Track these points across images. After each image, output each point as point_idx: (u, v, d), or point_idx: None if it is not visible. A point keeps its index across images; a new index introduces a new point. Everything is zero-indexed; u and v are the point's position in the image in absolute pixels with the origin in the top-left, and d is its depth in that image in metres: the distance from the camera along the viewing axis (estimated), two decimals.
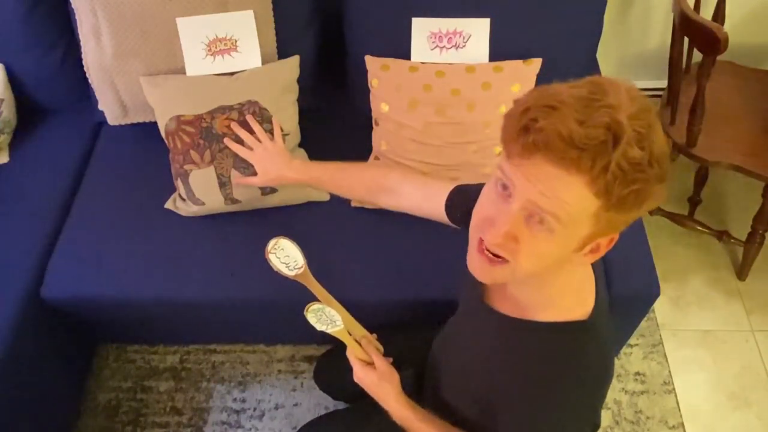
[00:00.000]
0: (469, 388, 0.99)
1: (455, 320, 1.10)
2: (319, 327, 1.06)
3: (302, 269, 1.07)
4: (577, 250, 0.76)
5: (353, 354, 1.09)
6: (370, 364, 1.09)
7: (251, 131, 1.38)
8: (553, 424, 0.87)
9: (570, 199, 0.69)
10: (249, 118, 1.39)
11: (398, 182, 1.14)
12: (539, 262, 0.76)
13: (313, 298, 1.09)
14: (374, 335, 1.15)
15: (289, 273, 1.06)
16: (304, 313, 1.04)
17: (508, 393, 0.90)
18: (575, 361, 0.85)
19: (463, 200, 1.02)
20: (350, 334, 1.10)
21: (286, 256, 1.06)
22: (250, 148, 1.36)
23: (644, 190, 0.69)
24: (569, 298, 0.86)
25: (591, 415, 0.89)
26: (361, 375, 1.08)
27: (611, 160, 0.66)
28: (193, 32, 1.45)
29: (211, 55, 1.47)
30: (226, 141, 1.39)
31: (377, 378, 1.07)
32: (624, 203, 0.70)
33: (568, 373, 0.85)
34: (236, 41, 1.45)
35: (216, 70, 1.48)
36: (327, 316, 1.05)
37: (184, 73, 1.52)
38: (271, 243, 1.06)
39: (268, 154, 1.33)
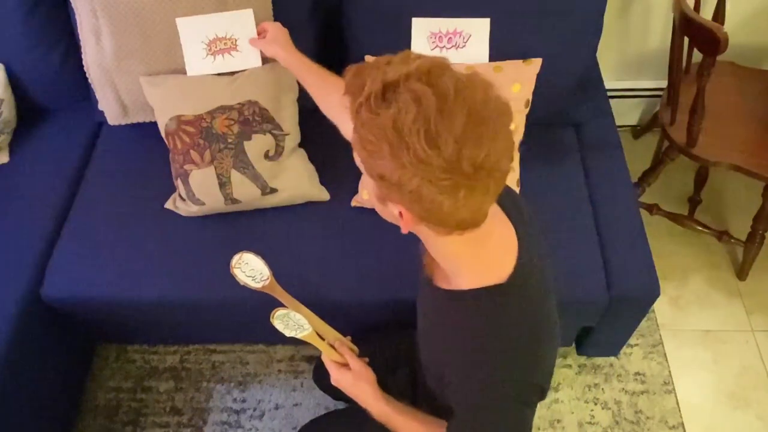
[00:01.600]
0: (430, 367, 1.02)
1: (417, 302, 1.12)
2: (287, 333, 1.06)
3: (268, 280, 1.08)
4: (380, 201, 0.81)
5: (327, 357, 1.10)
6: (345, 365, 1.10)
7: None
8: (489, 389, 0.88)
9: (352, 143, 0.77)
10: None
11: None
12: (371, 198, 0.84)
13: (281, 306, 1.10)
14: (348, 337, 1.16)
15: (255, 285, 1.08)
16: (270, 320, 1.05)
17: (447, 363, 0.93)
18: (495, 323, 0.87)
19: None
20: (323, 339, 1.11)
21: (251, 270, 1.08)
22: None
23: (374, 155, 0.72)
24: (477, 264, 0.88)
25: (530, 379, 0.89)
26: (337, 376, 1.10)
27: (355, 106, 0.73)
28: (193, 32, 1.45)
29: (212, 54, 1.47)
30: (251, 42, 1.43)
31: (353, 378, 1.08)
32: (365, 164, 0.76)
33: (490, 336, 0.87)
34: (236, 41, 1.45)
35: (216, 70, 1.48)
36: (294, 321, 1.06)
37: (184, 73, 1.52)
38: (235, 258, 1.06)
39: (281, 32, 1.35)
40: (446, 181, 0.71)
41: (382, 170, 0.73)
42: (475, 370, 0.89)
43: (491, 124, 0.71)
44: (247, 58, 1.47)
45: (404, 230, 0.81)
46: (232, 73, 1.49)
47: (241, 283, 1.07)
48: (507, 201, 0.94)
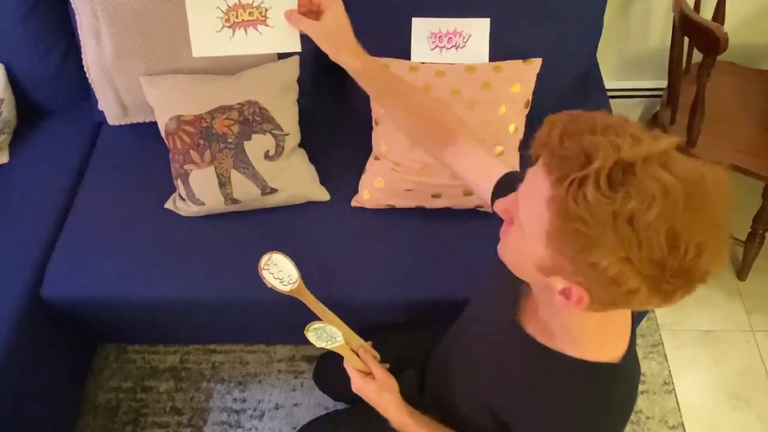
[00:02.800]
0: (483, 398, 0.98)
1: (470, 328, 1.08)
2: (319, 344, 1.04)
3: (297, 284, 1.02)
4: (539, 271, 0.72)
5: (351, 365, 1.08)
6: (369, 373, 1.08)
7: None
8: None
9: (534, 200, 0.68)
10: None
11: (464, 136, 1.02)
12: (512, 254, 0.79)
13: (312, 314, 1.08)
14: (369, 342, 1.14)
15: (283, 289, 1.02)
16: (305, 332, 1.02)
17: (529, 418, 0.89)
18: (602, 403, 0.84)
19: (509, 185, 0.94)
20: (348, 346, 1.09)
21: (279, 271, 1.02)
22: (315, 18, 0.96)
23: (588, 239, 0.62)
24: (597, 341, 0.83)
25: None
26: (360, 385, 1.07)
27: (571, 178, 0.62)
28: None
29: (230, 27, 1.02)
30: (288, 18, 0.97)
31: (377, 387, 1.06)
32: (562, 238, 0.65)
33: (593, 414, 0.84)
34: (266, 10, 1.00)
35: (235, 51, 1.02)
36: (327, 334, 1.03)
37: (185, 72, 1.51)
38: (264, 259, 1.00)
39: (338, 22, 0.95)
40: (671, 285, 0.63)
41: (594, 259, 0.63)
42: None
43: (724, 224, 0.63)
44: (281, 39, 1.02)
45: (560, 305, 0.72)
46: (233, 73, 1.48)
47: (269, 286, 1.01)
48: None
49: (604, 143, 0.61)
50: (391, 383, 1.07)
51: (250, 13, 1.01)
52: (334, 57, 0.96)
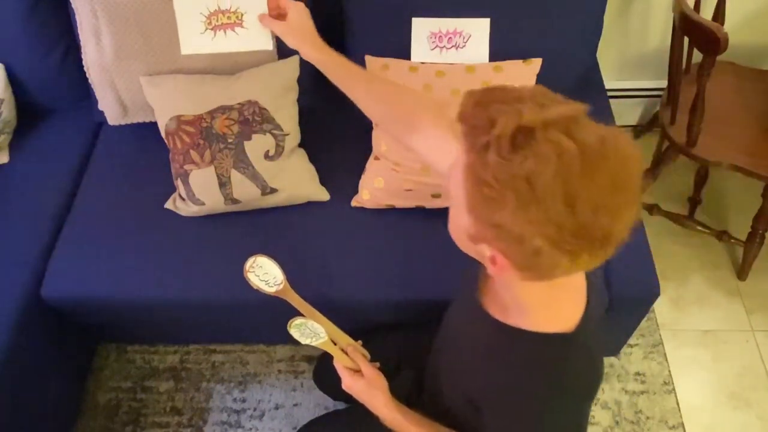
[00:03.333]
0: (460, 386, 1.00)
1: (450, 315, 1.11)
2: (303, 341, 1.06)
3: (282, 285, 1.06)
4: (470, 240, 0.75)
5: (340, 363, 1.10)
6: (358, 371, 1.10)
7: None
8: (534, 430, 0.87)
9: (455, 170, 0.71)
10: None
11: (426, 119, 1.03)
12: (451, 228, 0.79)
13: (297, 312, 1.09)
14: (359, 342, 1.15)
15: (269, 290, 1.05)
16: (288, 328, 1.04)
17: (491, 397, 0.90)
18: (557, 374, 0.84)
19: None
20: (335, 344, 1.10)
21: (265, 273, 1.05)
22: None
23: (494, 201, 0.66)
24: (545, 310, 0.84)
25: (576, 427, 0.88)
26: (350, 383, 1.08)
27: (478, 145, 0.66)
28: (189, 2, 1.21)
29: (212, 29, 1.22)
30: (261, 20, 1.16)
31: (365, 385, 1.07)
32: (476, 203, 0.69)
33: (549, 385, 0.85)
34: (242, 15, 1.20)
35: (216, 49, 1.23)
36: (310, 330, 1.05)
37: (185, 72, 1.51)
38: (249, 262, 1.04)
39: (307, 19, 1.14)
40: (572, 245, 0.66)
41: (498, 219, 0.67)
42: (524, 410, 0.86)
43: (630, 190, 0.66)
44: (255, 38, 1.22)
45: (493, 274, 0.76)
46: (233, 73, 1.49)
47: (254, 288, 1.05)
48: None
49: (507, 110, 0.65)
50: (380, 380, 1.08)
51: (228, 17, 1.20)
52: (297, 49, 1.11)
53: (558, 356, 0.84)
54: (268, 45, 1.21)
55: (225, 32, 1.23)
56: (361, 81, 1.11)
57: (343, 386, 1.09)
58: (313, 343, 1.06)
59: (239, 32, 1.22)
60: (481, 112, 0.67)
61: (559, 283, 0.79)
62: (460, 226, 0.75)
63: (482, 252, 0.74)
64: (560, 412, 0.86)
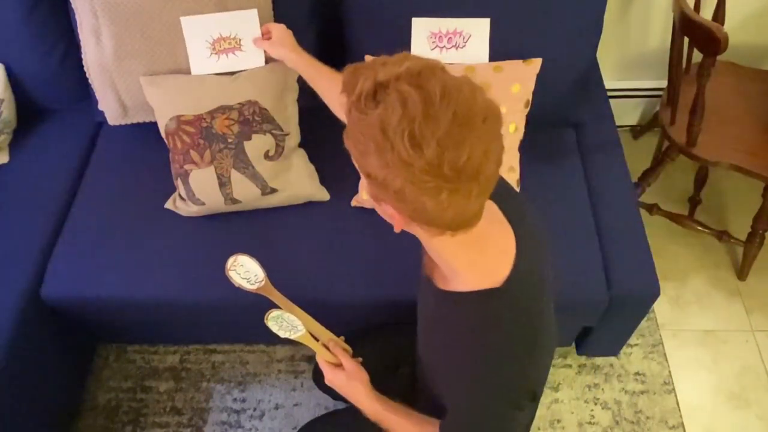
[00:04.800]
0: (426, 363, 1.03)
1: (418, 299, 1.13)
2: (281, 334, 1.07)
3: (263, 282, 1.09)
4: (374, 201, 0.82)
5: (321, 358, 1.11)
6: (339, 365, 1.11)
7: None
8: (479, 390, 0.89)
9: (345, 134, 0.78)
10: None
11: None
12: (368, 196, 0.85)
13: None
14: (341, 338, 1.17)
15: (250, 287, 1.08)
16: (264, 321, 1.05)
17: (441, 361, 0.94)
18: (488, 327, 0.88)
19: None
20: (317, 340, 1.11)
21: (246, 272, 1.08)
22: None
23: (362, 153, 0.75)
24: (473, 268, 0.88)
25: (522, 383, 0.90)
26: (331, 377, 1.10)
27: (347, 105, 0.74)
28: (197, 31, 1.45)
29: (216, 54, 1.47)
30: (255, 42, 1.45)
31: (346, 378, 1.09)
32: (355, 159, 0.77)
33: (482, 339, 0.88)
34: (240, 40, 1.46)
35: (220, 69, 1.49)
36: (288, 322, 1.07)
37: (185, 72, 1.52)
38: (230, 261, 1.07)
39: (285, 32, 1.37)
40: (428, 183, 0.71)
41: (369, 169, 0.75)
42: (467, 372, 0.89)
43: (475, 128, 0.71)
44: (251, 58, 1.48)
45: (396, 229, 0.82)
46: (233, 73, 1.50)
47: (236, 285, 1.08)
48: (509, 204, 0.94)
49: (366, 71, 0.73)
50: (361, 373, 1.10)
51: (229, 43, 1.47)
52: (273, 53, 1.37)
53: (486, 311, 0.88)
54: (261, 62, 1.49)
55: (227, 55, 1.48)
56: (324, 77, 1.27)
57: (326, 380, 1.11)
58: (291, 337, 1.07)
59: (238, 54, 1.48)
60: (351, 79, 0.75)
61: (480, 241, 0.86)
62: (366, 189, 0.83)
63: (386, 210, 0.81)
64: (496, 367, 0.88)
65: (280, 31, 1.37)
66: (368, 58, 1.51)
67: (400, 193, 0.73)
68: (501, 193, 0.90)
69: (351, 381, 1.09)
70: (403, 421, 1.06)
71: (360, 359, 1.13)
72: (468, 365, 0.89)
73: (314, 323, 1.13)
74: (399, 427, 1.06)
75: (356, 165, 0.79)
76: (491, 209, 0.91)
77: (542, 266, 0.95)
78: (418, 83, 0.71)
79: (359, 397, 1.08)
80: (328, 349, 1.12)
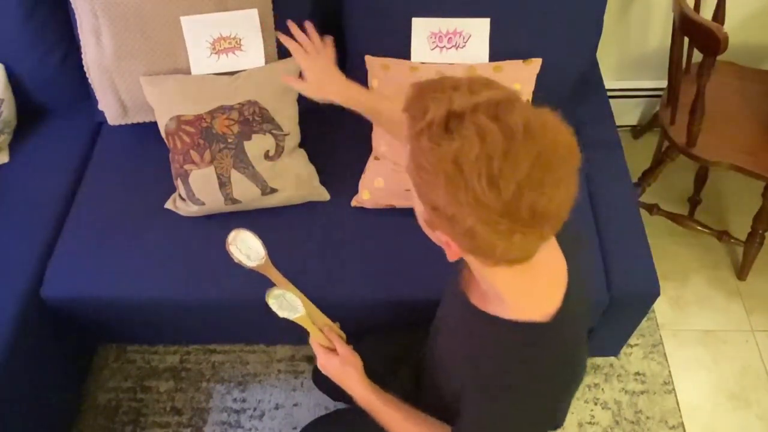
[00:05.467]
0: (445, 368, 1.01)
1: (441, 307, 1.12)
2: (280, 313, 1.07)
3: (263, 260, 1.07)
4: (429, 227, 0.79)
5: (316, 341, 1.11)
6: (333, 350, 1.11)
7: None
8: (503, 419, 0.88)
9: (405, 158, 0.74)
10: (308, 25, 1.27)
11: None
12: (418, 218, 0.81)
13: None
14: (337, 324, 1.16)
15: (250, 264, 1.06)
16: (266, 298, 1.05)
17: (467, 376, 0.91)
18: (528, 362, 0.85)
19: None
20: (313, 323, 1.11)
21: (247, 248, 1.06)
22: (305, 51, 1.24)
23: (430, 184, 0.69)
24: (520, 299, 0.84)
25: (550, 415, 0.89)
26: (324, 361, 1.09)
27: (414, 131, 0.69)
28: (198, 31, 1.45)
29: (216, 53, 1.47)
30: (281, 37, 1.26)
31: (339, 363, 1.08)
32: (419, 187, 0.72)
33: (519, 373, 0.85)
34: (240, 40, 1.46)
35: (220, 69, 1.48)
36: (288, 302, 1.06)
37: (185, 72, 1.52)
38: (231, 235, 1.05)
39: (324, 65, 1.22)
40: (502, 225, 0.68)
41: (436, 202, 0.70)
42: (494, 399, 0.87)
43: (557, 171, 0.67)
44: (251, 58, 1.47)
45: (450, 258, 0.79)
46: (233, 73, 1.50)
47: (235, 261, 1.06)
48: (564, 231, 0.92)
49: (439, 98, 0.68)
50: (354, 359, 1.09)
51: (229, 43, 1.46)
52: (318, 97, 1.18)
53: (531, 346, 0.85)
54: (261, 62, 1.48)
55: (227, 55, 1.48)
56: (384, 104, 1.14)
57: (318, 364, 1.11)
58: (290, 317, 1.07)
59: (238, 54, 1.47)
60: (418, 102, 0.70)
61: (534, 272, 0.81)
62: (419, 214, 0.79)
63: (440, 238, 0.77)
64: (527, 402, 0.86)
65: (315, 70, 1.19)
66: (369, 58, 1.51)
67: (469, 231, 0.70)
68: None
69: (344, 366, 1.07)
70: (396, 414, 1.04)
71: (352, 345, 1.13)
72: (498, 392, 0.87)
73: (311, 306, 1.12)
74: (392, 421, 1.05)
75: (415, 192, 0.75)
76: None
77: (586, 294, 0.93)
78: (498, 116, 0.66)
79: (351, 383, 1.07)
80: (322, 333, 1.12)
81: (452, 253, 0.77)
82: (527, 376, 0.85)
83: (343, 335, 1.15)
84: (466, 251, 0.75)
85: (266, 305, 1.06)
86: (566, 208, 0.71)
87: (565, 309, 0.85)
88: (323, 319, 1.14)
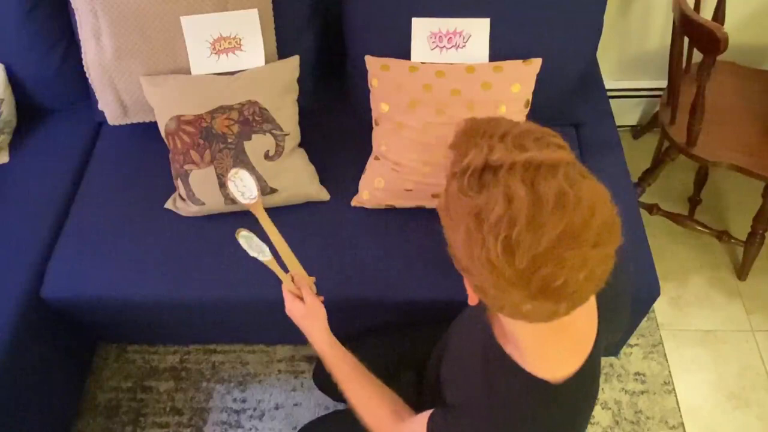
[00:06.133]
0: (446, 381, 1.00)
1: (463, 319, 1.09)
2: (250, 253, 1.12)
3: (256, 200, 1.14)
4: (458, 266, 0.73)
5: (286, 288, 1.13)
6: (301, 299, 1.12)
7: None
8: None
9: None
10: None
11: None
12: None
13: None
14: (313, 278, 1.17)
15: (243, 201, 1.13)
16: (235, 235, 1.10)
17: (463, 403, 0.89)
18: (531, 416, 0.82)
19: None
20: (287, 272, 1.14)
21: (244, 186, 1.13)
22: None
23: (452, 230, 0.68)
24: (536, 355, 0.81)
25: None
26: (290, 306, 1.10)
27: (449, 173, 0.68)
28: (198, 31, 1.45)
29: (216, 53, 1.48)
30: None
31: (305, 310, 1.09)
32: (444, 229, 0.70)
33: (522, 423, 0.83)
34: (240, 40, 1.46)
35: (220, 69, 1.48)
36: (257, 245, 1.12)
37: (185, 72, 1.52)
38: (232, 171, 1.13)
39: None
40: (512, 293, 0.65)
41: (454, 248, 0.68)
42: (485, 423, 0.85)
43: (581, 251, 0.62)
44: (251, 58, 1.47)
45: (470, 302, 0.76)
46: (233, 73, 1.50)
47: (231, 196, 1.12)
48: (609, 290, 0.81)
49: (480, 144, 0.65)
50: (320, 310, 1.10)
51: (229, 43, 1.46)
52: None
53: (535, 399, 0.82)
54: (261, 62, 1.47)
55: (227, 55, 1.48)
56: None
57: (286, 310, 1.12)
58: (259, 258, 1.12)
59: (238, 54, 1.48)
60: (463, 142, 0.68)
61: (558, 335, 0.78)
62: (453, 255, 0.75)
63: (464, 281, 0.75)
64: None
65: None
66: (369, 58, 1.51)
67: (480, 288, 0.68)
68: None
69: (309, 314, 1.09)
70: (351, 373, 1.04)
71: (322, 298, 1.14)
72: (488, 423, 0.84)
73: (290, 254, 1.15)
74: (345, 378, 1.05)
75: (444, 229, 0.72)
76: None
77: (600, 354, 0.89)
78: (534, 180, 0.62)
79: (313, 332, 1.08)
80: (292, 280, 1.14)
81: (471, 299, 0.75)
82: (521, 423, 0.83)
83: (314, 287, 1.17)
84: (481, 299, 0.72)
85: (237, 242, 1.11)
86: (588, 290, 0.65)
87: (580, 373, 0.82)
88: (298, 267, 1.16)
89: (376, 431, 1.03)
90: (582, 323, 0.83)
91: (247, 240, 1.11)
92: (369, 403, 1.04)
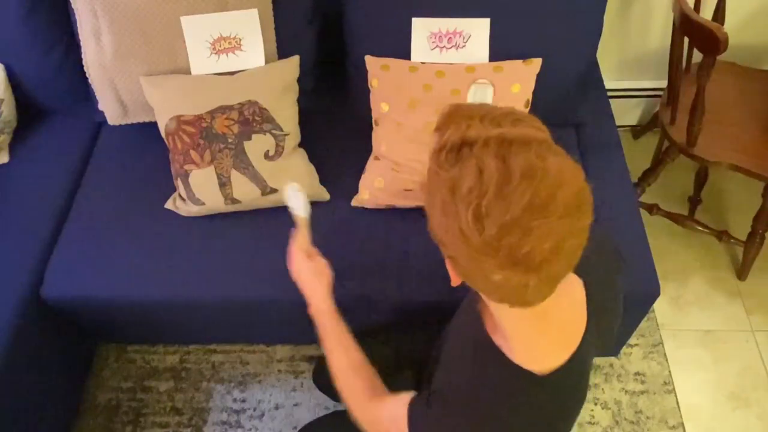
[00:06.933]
0: (440, 368, 1.00)
1: (458, 313, 1.10)
2: (289, 203, 1.17)
3: (306, 217, 1.18)
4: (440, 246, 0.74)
5: (300, 246, 1.14)
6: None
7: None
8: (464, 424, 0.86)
9: None
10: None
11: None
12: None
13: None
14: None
15: (297, 213, 1.17)
16: (288, 185, 1.17)
17: (448, 390, 0.90)
18: (516, 405, 0.84)
19: None
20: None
21: (297, 201, 1.19)
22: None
23: (429, 205, 0.70)
24: (522, 346, 0.82)
25: None
26: (299, 262, 1.11)
27: (432, 151, 0.70)
28: (198, 31, 1.45)
29: (216, 53, 1.48)
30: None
31: (313, 269, 1.10)
32: (423, 198, 0.72)
33: (506, 412, 0.84)
34: (240, 40, 1.46)
35: (220, 69, 1.48)
36: (303, 203, 1.17)
37: (185, 72, 1.52)
38: (297, 185, 1.19)
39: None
40: (482, 262, 0.66)
41: (432, 223, 0.71)
42: (460, 416, 0.86)
43: (548, 221, 0.63)
44: (251, 58, 1.47)
45: (453, 284, 0.78)
46: (233, 73, 1.50)
47: (289, 193, 1.17)
48: (598, 287, 0.85)
49: (460, 123, 0.68)
50: (327, 273, 1.12)
51: (229, 43, 1.46)
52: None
53: (518, 388, 0.83)
54: (261, 62, 1.48)
55: (227, 55, 1.48)
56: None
57: (291, 264, 1.12)
58: (295, 212, 1.16)
59: (239, 54, 1.47)
60: (445, 123, 0.70)
61: (543, 325, 0.79)
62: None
63: (446, 262, 0.76)
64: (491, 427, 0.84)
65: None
66: (369, 58, 1.51)
67: (453, 260, 0.71)
68: (590, 264, 0.80)
69: (316, 275, 1.10)
70: (340, 342, 1.05)
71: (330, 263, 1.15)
72: (473, 415, 0.85)
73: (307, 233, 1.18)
74: (333, 349, 1.05)
75: (425, 208, 0.74)
76: (570, 282, 0.84)
77: (591, 356, 0.90)
78: (505, 155, 0.64)
79: (314, 295, 1.09)
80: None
81: (453, 280, 0.77)
82: (502, 411, 0.84)
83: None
84: (461, 278, 0.75)
85: (285, 190, 1.17)
86: (559, 264, 0.67)
87: (566, 366, 0.83)
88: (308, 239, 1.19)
89: (348, 403, 1.04)
90: (568, 316, 0.84)
91: (295, 193, 1.13)
92: (347, 373, 1.05)
